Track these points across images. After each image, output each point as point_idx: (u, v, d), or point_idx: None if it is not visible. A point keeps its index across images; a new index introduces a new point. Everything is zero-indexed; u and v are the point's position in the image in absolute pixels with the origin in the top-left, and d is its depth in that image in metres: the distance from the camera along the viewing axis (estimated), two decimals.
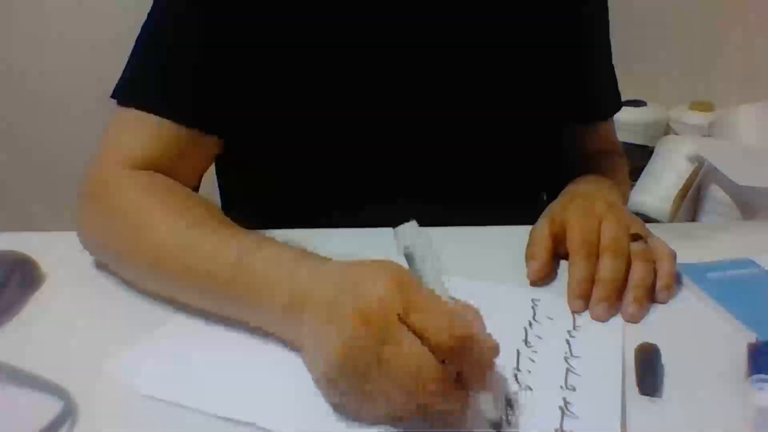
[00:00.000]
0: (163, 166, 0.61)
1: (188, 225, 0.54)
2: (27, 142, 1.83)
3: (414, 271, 0.43)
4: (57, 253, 0.62)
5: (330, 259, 0.48)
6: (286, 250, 0.50)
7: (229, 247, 0.51)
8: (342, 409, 0.42)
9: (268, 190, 0.73)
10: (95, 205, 0.60)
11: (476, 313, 0.42)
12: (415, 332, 0.39)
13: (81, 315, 0.55)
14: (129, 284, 0.57)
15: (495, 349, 0.41)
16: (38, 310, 0.55)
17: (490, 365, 0.41)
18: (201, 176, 0.69)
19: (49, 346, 0.51)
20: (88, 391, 0.45)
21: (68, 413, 0.42)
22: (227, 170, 0.81)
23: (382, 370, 0.39)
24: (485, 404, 0.40)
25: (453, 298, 0.43)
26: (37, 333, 0.52)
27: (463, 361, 0.39)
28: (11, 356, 0.47)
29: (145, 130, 0.61)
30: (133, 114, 0.61)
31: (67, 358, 0.48)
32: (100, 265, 0.60)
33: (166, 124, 0.61)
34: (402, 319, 0.39)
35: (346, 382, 0.40)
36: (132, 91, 0.63)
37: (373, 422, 0.41)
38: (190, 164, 0.64)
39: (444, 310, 0.40)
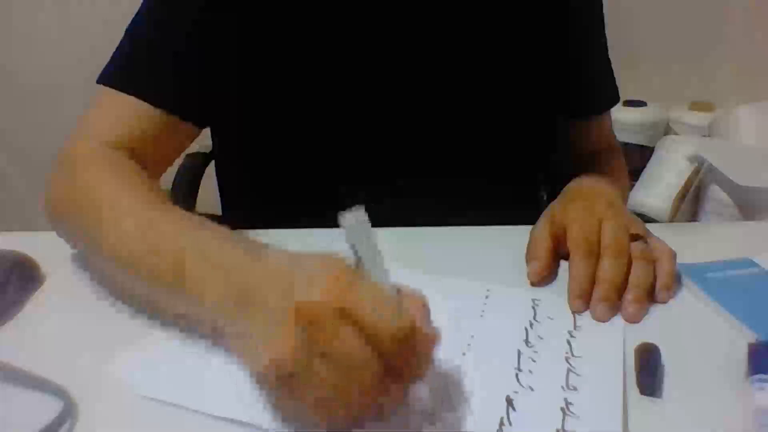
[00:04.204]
0: (136, 147, 0.62)
1: (147, 207, 0.54)
2: (27, 142, 1.83)
3: (358, 261, 0.40)
4: (57, 253, 0.62)
5: (269, 253, 0.45)
6: (226, 245, 0.48)
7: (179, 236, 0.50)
8: (279, 410, 0.41)
9: (266, 189, 0.73)
10: (64, 179, 0.61)
11: (421, 301, 0.41)
12: (357, 327, 0.37)
13: (81, 315, 0.55)
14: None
15: (435, 340, 0.39)
16: (38, 310, 0.55)
17: (429, 357, 0.40)
18: (172, 160, 0.70)
19: (49, 346, 0.51)
20: (88, 391, 0.44)
21: (68, 413, 0.42)
22: (227, 170, 0.81)
23: (319, 368, 0.37)
24: (420, 395, 0.40)
25: (397, 287, 0.41)
26: (37, 333, 0.52)
27: (401, 354, 0.38)
28: (11, 356, 0.47)
29: (122, 111, 0.63)
30: (112, 94, 0.63)
31: (67, 358, 0.48)
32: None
33: (143, 106, 0.63)
34: (343, 315, 0.37)
35: (281, 385, 0.39)
36: (114, 73, 0.65)
37: (312, 426, 0.40)
38: (163, 148, 0.65)
39: (385, 303, 0.38)
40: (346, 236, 0.39)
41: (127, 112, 0.63)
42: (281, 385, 0.39)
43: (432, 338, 0.39)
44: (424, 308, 0.40)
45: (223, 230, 0.50)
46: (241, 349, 0.45)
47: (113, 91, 0.63)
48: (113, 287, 0.57)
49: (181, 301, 0.49)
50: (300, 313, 0.37)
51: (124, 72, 0.65)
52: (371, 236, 0.39)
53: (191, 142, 0.70)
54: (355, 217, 0.39)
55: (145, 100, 0.63)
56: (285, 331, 0.38)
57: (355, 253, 0.40)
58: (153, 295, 0.52)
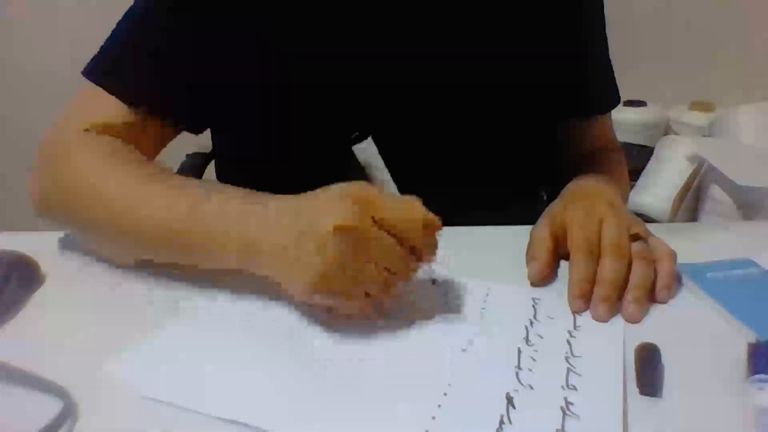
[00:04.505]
0: (121, 138, 0.63)
1: (142, 181, 0.57)
2: (27, 141, 1.83)
3: (373, 178, 0.52)
4: (57, 253, 0.62)
5: (277, 198, 0.53)
6: (233, 198, 0.54)
7: (179, 199, 0.55)
8: (329, 312, 0.51)
9: (265, 190, 0.73)
10: (54, 166, 0.61)
11: (419, 200, 0.50)
12: (387, 231, 0.47)
13: (81, 315, 0.55)
14: (127, 284, 0.57)
15: (439, 225, 0.50)
16: (38, 310, 0.55)
17: (435, 239, 0.50)
18: (156, 154, 0.70)
19: (49, 346, 0.51)
20: (88, 391, 0.44)
21: (68, 413, 0.42)
22: (227, 170, 0.81)
23: (365, 269, 0.47)
24: (429, 267, 0.54)
25: (399, 194, 0.52)
26: (37, 333, 0.52)
27: (419, 240, 0.49)
28: (11, 356, 0.47)
29: (104, 107, 0.64)
30: (96, 90, 0.64)
31: (67, 358, 0.48)
32: (100, 265, 0.60)
33: (119, 103, 0.63)
34: (375, 222, 0.47)
35: (334, 293, 0.48)
36: (98, 69, 0.65)
37: (355, 313, 0.51)
38: (145, 143, 0.66)
39: (403, 206, 0.49)
40: (361, 159, 0.51)
41: (108, 108, 0.63)
42: (333, 294, 0.48)
43: (437, 225, 0.50)
44: (420, 203, 0.50)
45: (220, 188, 0.56)
46: (280, 275, 0.51)
47: (96, 86, 0.64)
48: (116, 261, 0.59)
49: (190, 260, 0.55)
50: (341, 230, 0.46)
51: (105, 69, 0.65)
52: (380, 158, 0.52)
53: (173, 137, 0.70)
54: (366, 145, 0.51)
55: (121, 99, 0.63)
56: (323, 254, 0.46)
57: (369, 170, 0.52)
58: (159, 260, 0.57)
